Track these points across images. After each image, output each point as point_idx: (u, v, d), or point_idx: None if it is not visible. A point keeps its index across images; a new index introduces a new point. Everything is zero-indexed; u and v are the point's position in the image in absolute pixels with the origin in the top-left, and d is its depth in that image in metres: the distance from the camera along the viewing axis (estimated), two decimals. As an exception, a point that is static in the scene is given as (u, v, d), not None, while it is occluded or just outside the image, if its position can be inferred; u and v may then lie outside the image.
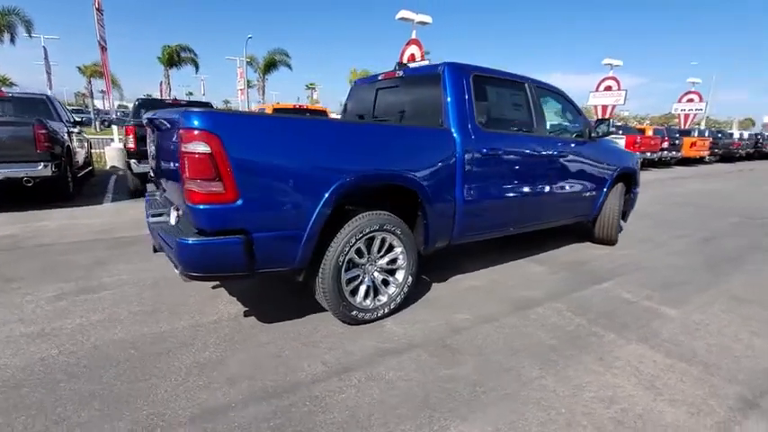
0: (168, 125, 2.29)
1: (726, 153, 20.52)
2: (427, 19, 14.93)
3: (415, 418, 1.83)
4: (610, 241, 4.68)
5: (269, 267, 2.26)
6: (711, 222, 6.25)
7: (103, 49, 8.90)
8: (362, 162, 2.43)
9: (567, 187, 3.94)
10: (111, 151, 10.03)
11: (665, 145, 16.09)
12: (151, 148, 2.70)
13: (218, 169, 1.97)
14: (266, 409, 1.86)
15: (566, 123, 4.12)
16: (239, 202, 2.04)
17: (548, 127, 3.82)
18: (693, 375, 2.21)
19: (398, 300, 2.79)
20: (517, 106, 3.55)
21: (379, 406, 1.90)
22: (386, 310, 2.74)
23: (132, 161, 6.02)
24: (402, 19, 14.65)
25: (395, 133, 2.69)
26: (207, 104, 8.29)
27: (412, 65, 3.78)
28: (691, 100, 26.86)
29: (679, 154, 17.04)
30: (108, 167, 10.12)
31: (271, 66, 28.32)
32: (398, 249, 2.74)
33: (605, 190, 4.41)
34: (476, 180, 3.07)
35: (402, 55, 14.36)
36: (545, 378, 2.15)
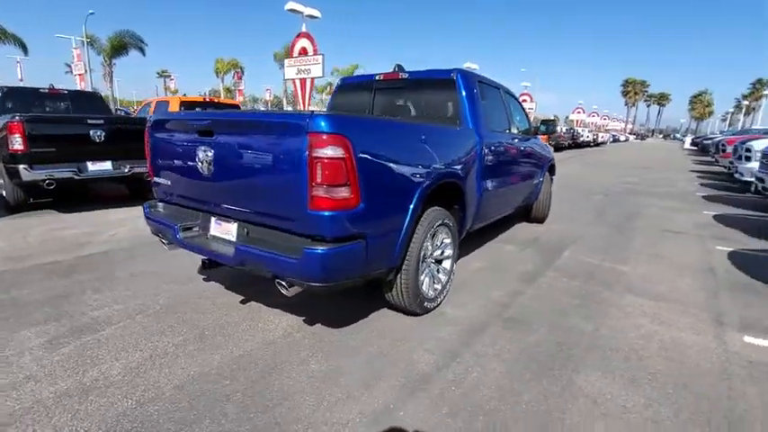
0: (266, 128, 2.06)
1: (557, 144, 25.58)
2: (316, 13, 14.84)
3: (544, 377, 2.15)
4: (542, 219, 5.67)
5: (375, 270, 2.27)
6: (588, 199, 7.97)
7: None
8: (441, 161, 2.59)
9: (529, 175, 4.68)
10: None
11: (521, 138, 19.31)
12: (182, 155, 2.33)
13: (348, 174, 1.92)
14: (424, 402, 1.94)
15: (519, 122, 4.84)
16: (361, 206, 2.02)
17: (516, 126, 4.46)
18: (677, 309, 3.03)
19: (448, 287, 3.03)
20: (499, 108, 4.07)
21: (511, 375, 2.16)
22: (442, 298, 2.95)
23: (22, 167, 4.70)
24: (291, 11, 14.29)
25: (453, 134, 2.90)
26: (95, 94, 6.82)
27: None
28: (525, 100, 32.58)
29: (529, 145, 20.61)
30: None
31: (120, 49, 23.94)
32: (447, 240, 2.97)
33: (541, 178, 5.33)
34: (487, 173, 3.48)
35: (292, 48, 14.00)
36: (599, 330, 2.69)
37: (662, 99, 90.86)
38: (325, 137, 1.86)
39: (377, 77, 3.83)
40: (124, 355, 2.26)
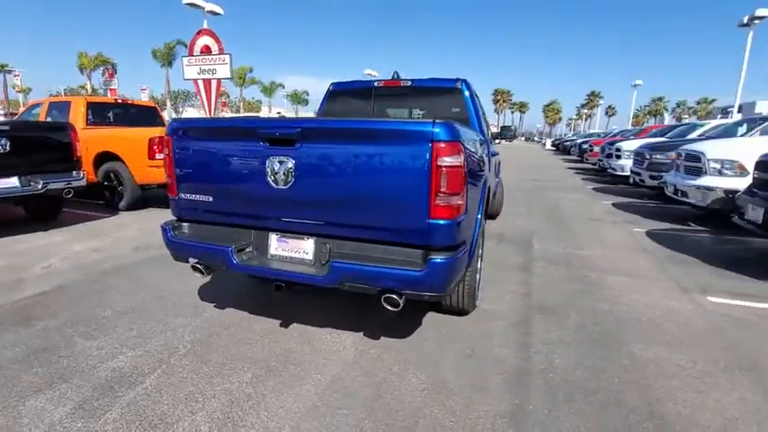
0: (378, 136, 1.91)
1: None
2: (218, 9, 13.93)
3: (610, 352, 2.44)
4: (496, 215, 6.24)
5: (458, 275, 2.30)
6: (512, 195, 8.93)
7: None
8: (490, 165, 2.72)
9: (495, 175, 5.13)
10: None
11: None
12: (235, 166, 2.06)
13: (462, 182, 1.94)
14: (540, 392, 2.06)
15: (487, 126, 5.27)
16: (465, 213, 2.05)
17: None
18: (649, 283, 3.66)
19: (481, 284, 3.20)
20: (480, 116, 4.38)
21: (586, 356, 2.40)
22: (480, 295, 3.11)
23: None
24: (191, 5, 13.20)
25: (486, 140, 3.05)
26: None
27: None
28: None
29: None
30: None
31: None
32: (481, 240, 3.14)
33: (498, 178, 5.87)
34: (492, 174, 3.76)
35: (193, 45, 12.85)
36: (612, 307, 3.12)
37: (522, 107, 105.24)
38: (446, 145, 1.85)
39: (375, 84, 3.82)
40: (197, 405, 1.91)
